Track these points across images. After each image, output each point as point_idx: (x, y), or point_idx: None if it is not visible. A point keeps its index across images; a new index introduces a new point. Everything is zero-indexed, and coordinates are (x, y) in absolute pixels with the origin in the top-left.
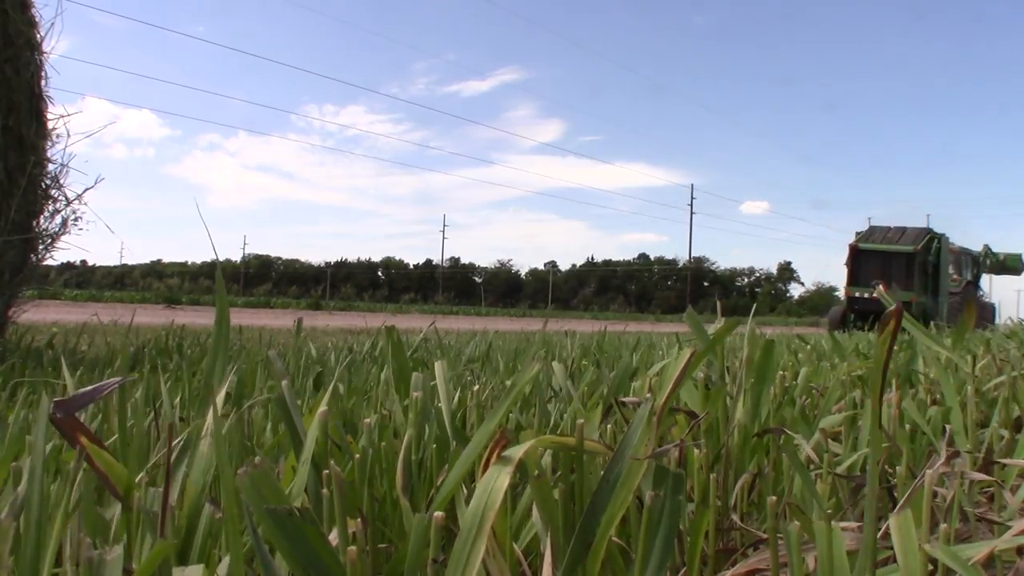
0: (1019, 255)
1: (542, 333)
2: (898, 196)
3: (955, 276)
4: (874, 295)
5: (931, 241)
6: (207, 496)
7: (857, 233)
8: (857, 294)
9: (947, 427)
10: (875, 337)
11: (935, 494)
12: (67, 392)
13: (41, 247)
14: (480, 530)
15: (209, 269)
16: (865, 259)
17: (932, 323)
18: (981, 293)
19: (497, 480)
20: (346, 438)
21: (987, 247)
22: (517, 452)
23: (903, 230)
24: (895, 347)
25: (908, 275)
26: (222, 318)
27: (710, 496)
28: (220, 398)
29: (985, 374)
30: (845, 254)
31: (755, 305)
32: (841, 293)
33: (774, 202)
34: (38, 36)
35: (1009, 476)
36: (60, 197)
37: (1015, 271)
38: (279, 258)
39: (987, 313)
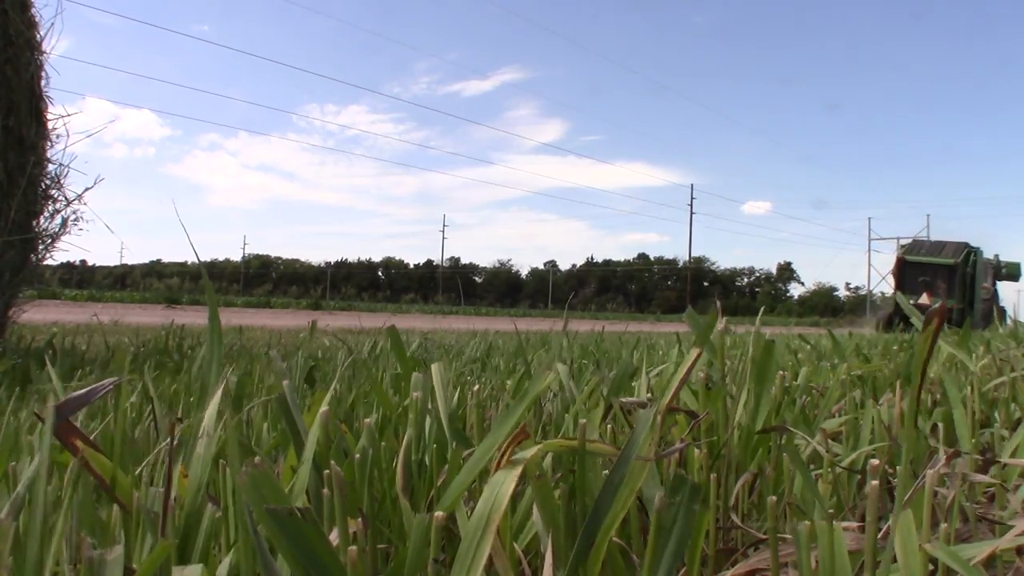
0: (1018, 264)
1: (544, 333)
2: (898, 196)
3: (985, 285)
4: (919, 301)
5: (969, 254)
6: (205, 495)
7: (901, 246)
8: None
9: (938, 425)
10: (890, 336)
11: (936, 494)
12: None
13: (41, 247)
14: (486, 532)
15: (209, 269)
16: (910, 270)
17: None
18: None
19: (503, 484)
20: (342, 428)
21: (996, 256)
22: (524, 456)
23: (943, 244)
24: (895, 348)
25: (949, 285)
26: (213, 317)
27: (710, 496)
28: (217, 397)
29: (985, 374)
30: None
31: (762, 308)
32: (841, 293)
33: (775, 202)
34: (38, 36)
35: (1010, 476)
36: (60, 197)
37: (1014, 278)
38: (279, 258)
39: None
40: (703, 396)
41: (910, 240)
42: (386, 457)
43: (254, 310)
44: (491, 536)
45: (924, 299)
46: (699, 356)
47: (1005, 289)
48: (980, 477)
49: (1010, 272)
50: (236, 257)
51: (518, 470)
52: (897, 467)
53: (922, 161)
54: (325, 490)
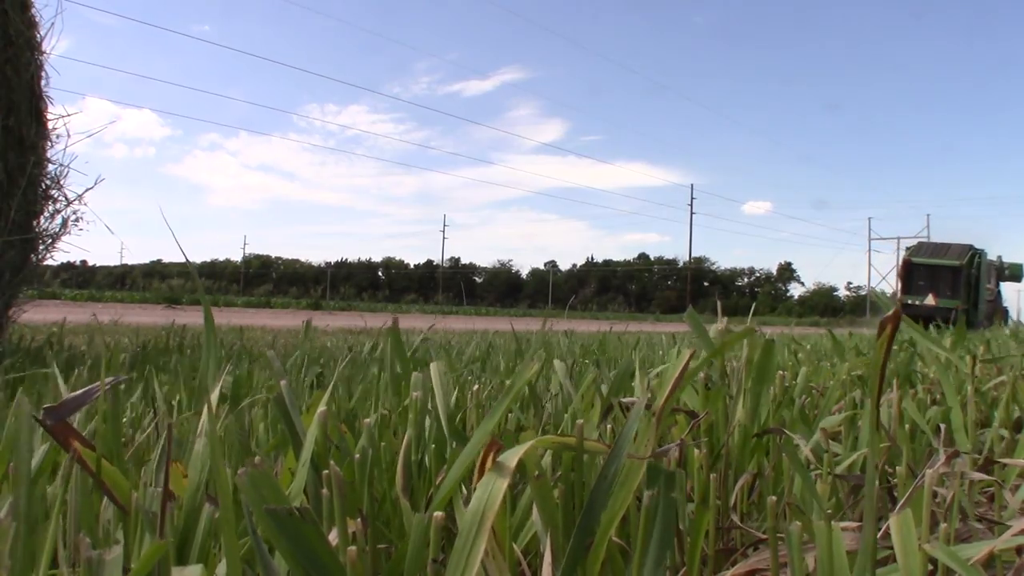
0: (1020, 265)
1: (541, 333)
2: (898, 196)
3: (989, 286)
4: (925, 301)
5: (973, 256)
6: (204, 495)
7: (907, 248)
8: (910, 301)
9: (941, 427)
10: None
11: (935, 494)
12: (62, 393)
13: (41, 247)
14: (480, 530)
15: (210, 269)
16: (917, 271)
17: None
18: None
19: (497, 481)
20: (342, 429)
21: (999, 258)
22: (517, 453)
23: (948, 246)
24: (895, 348)
25: (954, 285)
26: (208, 318)
27: (710, 496)
28: (215, 397)
29: (985, 374)
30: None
31: (754, 304)
32: (841, 293)
33: (775, 202)
34: (38, 36)
35: (1009, 476)
36: (60, 197)
37: (1016, 279)
38: (279, 258)
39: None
40: (703, 396)
41: (910, 240)
42: (386, 457)
43: (254, 310)
44: (486, 534)
45: (930, 300)
46: (693, 355)
47: (1006, 290)
48: (979, 476)
49: (1013, 273)
50: (236, 257)
51: (511, 467)
52: (897, 467)
53: (922, 161)
54: (324, 490)
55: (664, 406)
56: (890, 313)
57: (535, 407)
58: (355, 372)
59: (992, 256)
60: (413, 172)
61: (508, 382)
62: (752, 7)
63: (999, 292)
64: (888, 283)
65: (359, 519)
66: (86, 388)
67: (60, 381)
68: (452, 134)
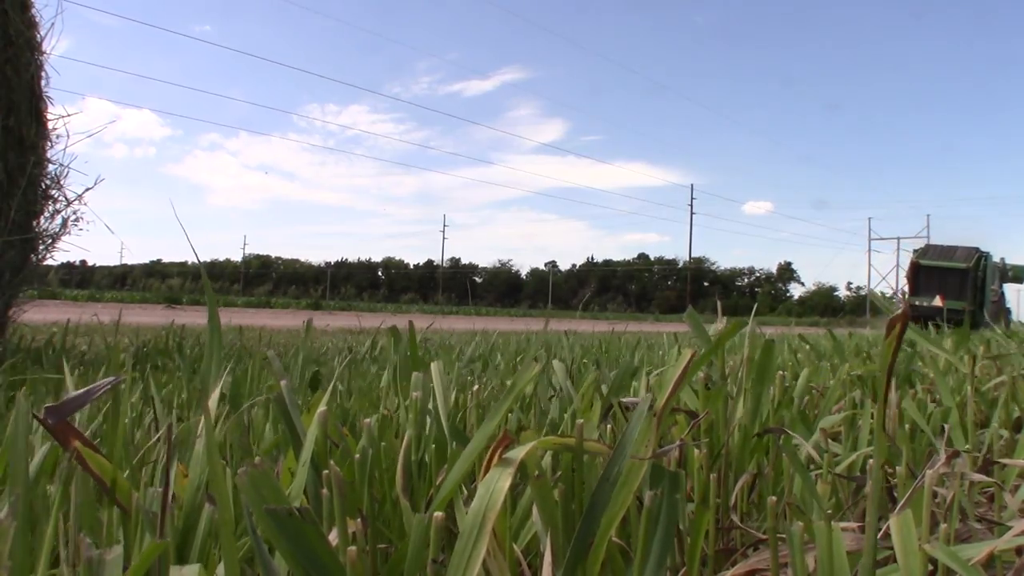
0: (1022, 267)
1: (542, 333)
2: (898, 196)
3: (993, 287)
4: (932, 303)
5: (980, 259)
6: (204, 495)
7: (914, 250)
8: (917, 302)
9: (945, 426)
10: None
11: (935, 494)
12: (65, 392)
13: (41, 247)
14: (481, 531)
15: (209, 269)
16: (925, 273)
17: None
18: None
19: (498, 481)
20: (343, 431)
21: (1003, 259)
22: (518, 454)
23: (955, 249)
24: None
25: (961, 287)
26: (212, 316)
27: (710, 496)
28: (215, 397)
29: (985, 374)
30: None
31: (756, 305)
32: (841, 293)
33: (775, 202)
34: (38, 36)
35: (1009, 476)
36: (60, 197)
37: (1019, 281)
38: (279, 258)
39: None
40: (703, 396)
41: (910, 240)
42: (386, 457)
43: (254, 310)
44: (487, 534)
45: (937, 301)
46: (694, 356)
47: (1007, 291)
48: (979, 476)
49: (1015, 275)
50: (236, 257)
51: (513, 467)
52: (897, 467)
53: (922, 161)
54: (324, 490)
55: (664, 406)
56: (898, 313)
57: (535, 407)
58: (356, 372)
59: (995, 258)
60: (413, 172)
61: (509, 382)
62: (752, 7)
63: (1002, 294)
64: (888, 283)
65: (359, 519)
66: (87, 388)
67: (69, 379)
68: (452, 134)
